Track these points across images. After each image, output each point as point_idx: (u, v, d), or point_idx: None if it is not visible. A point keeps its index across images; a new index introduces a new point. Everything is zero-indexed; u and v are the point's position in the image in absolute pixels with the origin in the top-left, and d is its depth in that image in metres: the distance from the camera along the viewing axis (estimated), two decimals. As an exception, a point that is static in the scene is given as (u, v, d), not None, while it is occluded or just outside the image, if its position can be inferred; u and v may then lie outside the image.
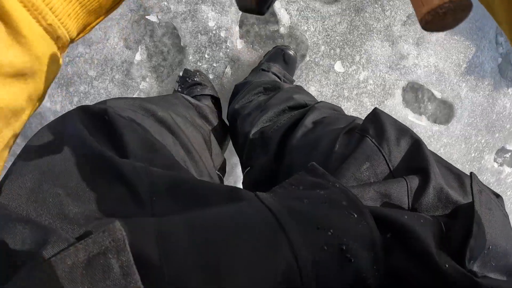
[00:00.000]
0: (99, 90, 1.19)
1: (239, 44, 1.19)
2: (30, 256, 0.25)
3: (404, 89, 1.32)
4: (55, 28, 0.23)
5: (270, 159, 0.61)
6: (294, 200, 0.32)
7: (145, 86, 1.19)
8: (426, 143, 0.43)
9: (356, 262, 0.28)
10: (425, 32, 1.25)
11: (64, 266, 0.21)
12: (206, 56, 1.17)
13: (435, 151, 0.77)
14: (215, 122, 0.83)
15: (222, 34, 1.16)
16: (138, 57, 1.17)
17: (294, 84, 1.14)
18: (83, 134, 0.36)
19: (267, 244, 0.27)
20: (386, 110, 1.30)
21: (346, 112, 0.81)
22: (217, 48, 1.18)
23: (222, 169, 0.73)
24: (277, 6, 1.17)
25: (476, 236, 0.30)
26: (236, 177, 1.31)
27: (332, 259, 0.28)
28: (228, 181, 1.30)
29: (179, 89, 1.11)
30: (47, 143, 0.36)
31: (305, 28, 1.19)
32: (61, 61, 0.26)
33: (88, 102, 1.20)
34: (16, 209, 0.29)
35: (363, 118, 0.52)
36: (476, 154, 1.46)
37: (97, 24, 0.27)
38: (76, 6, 0.24)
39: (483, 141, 1.44)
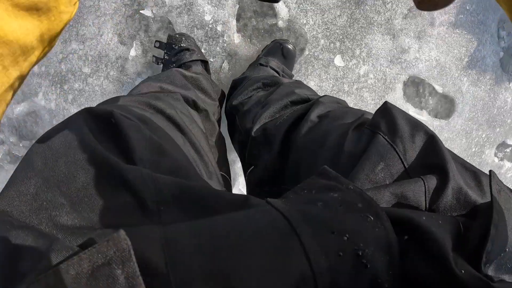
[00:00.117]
0: (94, 87, 1.16)
1: (237, 38, 1.16)
2: (34, 264, 0.25)
3: (405, 84, 1.30)
4: None
5: (274, 157, 0.59)
6: (307, 204, 0.30)
7: (141, 82, 1.16)
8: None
9: (372, 267, 0.28)
10: (426, 26, 1.23)
11: (68, 276, 0.21)
12: (202, 50, 1.14)
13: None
14: (214, 95, 0.82)
15: (219, 28, 1.14)
16: (133, 52, 1.14)
17: (293, 79, 1.12)
18: (88, 138, 0.36)
19: (279, 250, 0.26)
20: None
21: (348, 107, 0.79)
22: (214, 43, 1.15)
23: (226, 171, 0.72)
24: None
25: (493, 240, 0.29)
26: (234, 174, 1.28)
27: (347, 266, 0.27)
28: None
29: (165, 57, 1.07)
30: (52, 146, 0.36)
31: (304, 21, 1.17)
32: (77, 4, 0.26)
33: (83, 99, 1.17)
34: (19, 216, 0.29)
35: (371, 112, 0.50)
36: (476, 148, 1.45)
37: None
38: None
39: (484, 135, 1.43)
